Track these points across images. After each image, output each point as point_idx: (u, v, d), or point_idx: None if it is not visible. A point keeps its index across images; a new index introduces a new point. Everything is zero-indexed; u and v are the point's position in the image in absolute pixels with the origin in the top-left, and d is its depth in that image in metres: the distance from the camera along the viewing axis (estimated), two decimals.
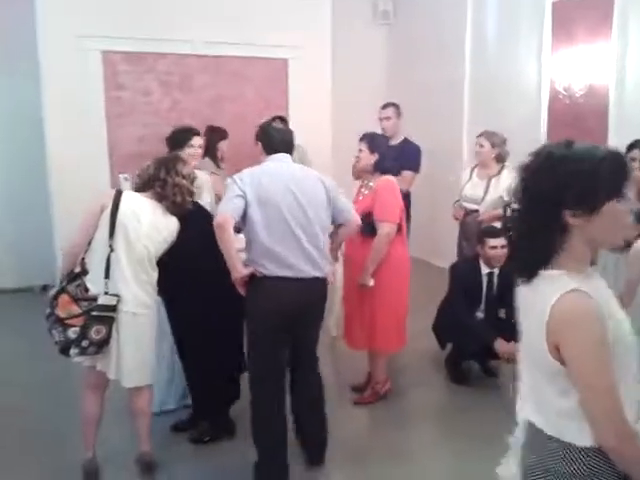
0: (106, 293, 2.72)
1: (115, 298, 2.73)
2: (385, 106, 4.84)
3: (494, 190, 4.19)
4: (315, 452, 3.09)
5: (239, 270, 2.80)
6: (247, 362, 3.03)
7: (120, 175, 2.89)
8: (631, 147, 3.94)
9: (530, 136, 5.72)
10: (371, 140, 3.68)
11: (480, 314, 3.98)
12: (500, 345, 3.70)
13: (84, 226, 2.82)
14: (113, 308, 2.72)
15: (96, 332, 2.69)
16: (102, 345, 2.72)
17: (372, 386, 3.78)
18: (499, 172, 4.28)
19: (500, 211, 3.96)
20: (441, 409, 3.87)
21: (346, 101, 6.53)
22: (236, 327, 3.19)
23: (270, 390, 2.89)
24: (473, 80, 6.45)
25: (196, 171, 3.40)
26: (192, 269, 3.04)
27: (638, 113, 4.86)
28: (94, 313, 2.69)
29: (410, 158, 4.78)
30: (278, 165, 2.96)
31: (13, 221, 5.72)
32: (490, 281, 3.93)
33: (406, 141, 4.95)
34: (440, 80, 6.74)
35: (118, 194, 2.83)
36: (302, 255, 2.83)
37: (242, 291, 2.88)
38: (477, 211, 4.24)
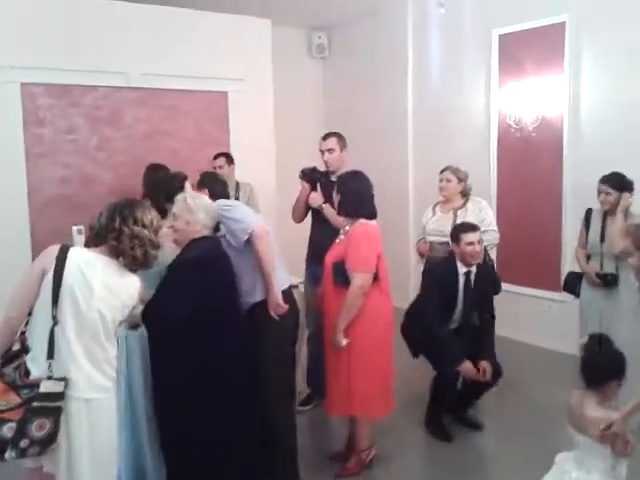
0: (50, 377, 2.19)
1: (61, 383, 2.19)
2: (326, 136, 4.12)
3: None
4: None
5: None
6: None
7: (73, 227, 2.35)
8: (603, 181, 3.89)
9: (479, 169, 5.61)
10: (338, 179, 3.38)
11: (454, 324, 3.81)
12: (466, 370, 3.63)
13: (21, 293, 2.28)
14: (59, 396, 2.19)
15: (38, 427, 2.16)
16: (47, 443, 2.18)
17: (356, 454, 3.35)
18: (464, 205, 4.19)
19: None
20: (435, 475, 3.49)
21: (286, 135, 6.23)
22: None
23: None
24: (417, 112, 6.33)
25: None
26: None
27: (594, 143, 4.83)
28: (35, 404, 2.15)
29: None
30: None
31: None
32: (467, 280, 3.78)
33: None
34: (381, 112, 6.56)
35: (63, 251, 2.29)
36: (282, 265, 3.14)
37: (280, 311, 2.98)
38: (447, 243, 3.97)
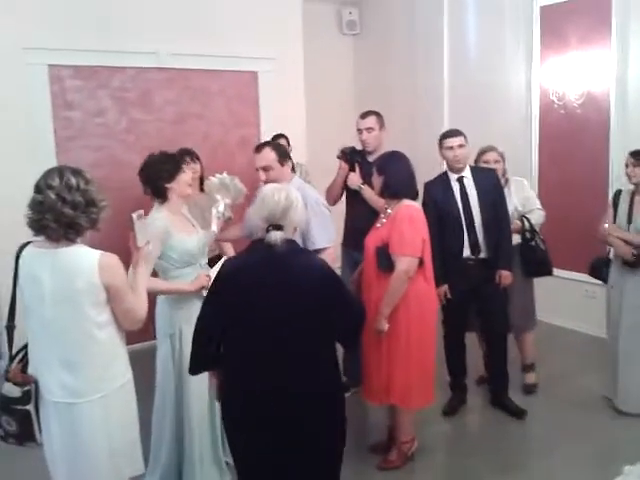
0: (7, 380, 2.14)
1: (18, 389, 2.10)
2: (365, 115, 3.95)
3: (508, 202, 3.85)
4: None
5: None
6: None
7: (132, 214, 2.20)
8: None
9: (520, 148, 5.39)
10: (379, 159, 3.23)
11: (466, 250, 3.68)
12: (438, 292, 3.53)
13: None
14: (18, 400, 2.10)
15: (6, 423, 2.15)
16: (24, 439, 2.16)
17: (397, 446, 3.23)
18: (506, 184, 3.96)
19: (518, 222, 3.92)
20: (478, 470, 3.31)
21: (317, 114, 6.07)
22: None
23: None
24: (452, 88, 6.07)
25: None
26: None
27: None
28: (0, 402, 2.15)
29: None
30: None
31: None
32: (463, 187, 3.69)
33: None
34: (416, 90, 6.34)
35: (20, 249, 2.14)
36: None
37: None
38: None
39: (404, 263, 2.97)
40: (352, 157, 3.89)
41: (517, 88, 5.44)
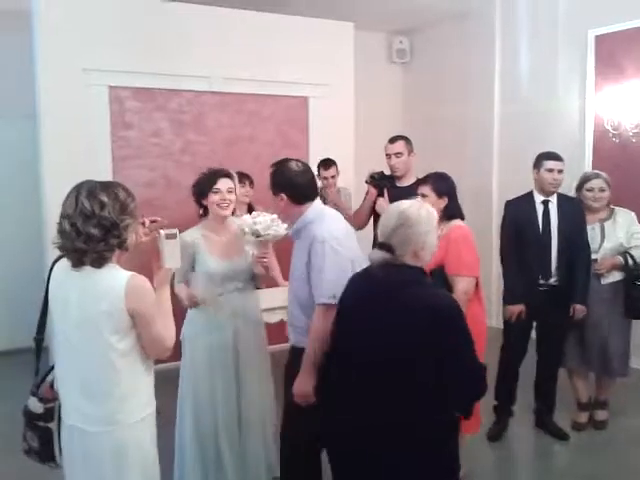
0: (34, 394, 2.06)
1: (41, 406, 2.02)
2: (393, 140, 3.91)
3: (613, 235, 3.72)
4: None
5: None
6: None
7: (161, 231, 1.99)
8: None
9: (573, 177, 5.28)
10: (436, 181, 3.15)
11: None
12: (511, 311, 3.58)
13: None
14: (40, 417, 2.02)
15: (30, 439, 2.06)
16: (45, 458, 2.06)
17: None
18: (610, 216, 3.79)
19: (620, 258, 3.69)
20: None
21: (364, 141, 6.09)
22: None
23: None
24: (504, 118, 6.05)
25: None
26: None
27: None
28: (25, 417, 2.08)
29: None
30: (334, 214, 2.64)
31: (6, 278, 5.23)
32: (546, 209, 3.65)
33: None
34: (466, 119, 6.32)
35: (53, 263, 2.04)
36: None
37: None
38: (595, 260, 3.70)
39: (464, 283, 2.93)
40: (381, 182, 3.86)
41: (571, 118, 5.38)
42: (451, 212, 3.10)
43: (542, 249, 3.60)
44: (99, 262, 1.87)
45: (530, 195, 3.73)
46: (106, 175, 4.68)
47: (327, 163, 4.83)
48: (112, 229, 1.87)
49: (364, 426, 1.99)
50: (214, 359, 2.91)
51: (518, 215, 3.66)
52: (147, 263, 2.06)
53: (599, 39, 5.10)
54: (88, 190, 1.87)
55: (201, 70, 4.91)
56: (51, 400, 2.01)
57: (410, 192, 3.74)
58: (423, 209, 2.10)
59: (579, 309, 3.60)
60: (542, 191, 3.66)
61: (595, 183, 3.78)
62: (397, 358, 1.92)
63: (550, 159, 3.68)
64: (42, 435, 2.02)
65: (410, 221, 2.02)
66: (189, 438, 2.89)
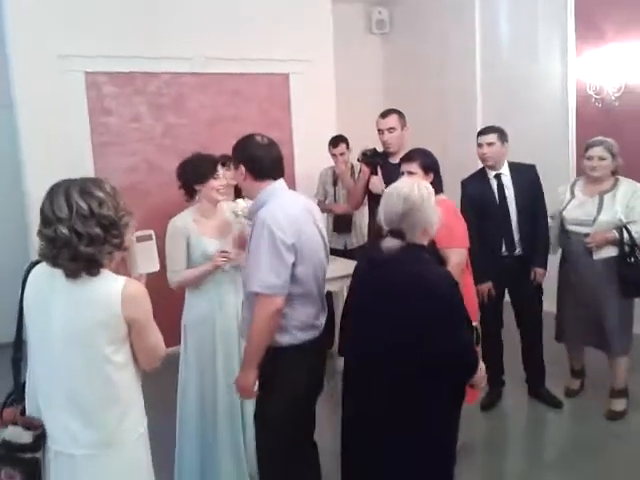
0: (15, 423, 1.79)
1: (29, 434, 1.75)
2: (386, 114, 3.72)
3: (611, 209, 3.45)
4: None
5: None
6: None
7: (135, 233, 1.83)
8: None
9: (556, 143, 5.31)
10: (423, 158, 3.12)
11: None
12: (481, 290, 3.55)
13: None
14: (25, 447, 1.75)
15: (7, 477, 1.76)
16: None
17: None
18: (614, 186, 3.52)
19: (615, 233, 3.42)
20: (522, 470, 3.27)
21: (347, 115, 6.04)
22: None
23: None
24: (485, 85, 6.01)
25: None
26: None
27: None
28: (1, 451, 1.77)
29: None
30: (294, 196, 2.47)
31: None
32: (500, 183, 3.63)
33: None
34: (448, 88, 6.28)
35: (28, 270, 1.83)
36: None
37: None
38: (587, 235, 3.48)
39: (457, 255, 2.93)
40: (374, 159, 3.71)
41: (552, 83, 5.36)
42: (436, 187, 3.08)
43: (502, 223, 3.60)
44: (97, 268, 1.71)
45: (483, 171, 3.70)
46: (87, 162, 4.62)
47: (336, 140, 4.81)
48: (111, 228, 1.72)
49: (367, 411, 2.06)
50: (217, 345, 2.90)
51: (474, 193, 3.63)
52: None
53: (578, 3, 5.05)
54: (80, 188, 1.71)
55: (180, 51, 4.80)
56: (36, 427, 1.77)
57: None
58: (422, 189, 2.14)
59: (539, 272, 3.64)
60: (486, 167, 3.66)
61: (595, 151, 3.52)
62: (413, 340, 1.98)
63: (479, 134, 3.65)
64: (26, 469, 1.74)
65: (416, 205, 2.06)
66: (193, 424, 2.90)
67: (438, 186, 3.07)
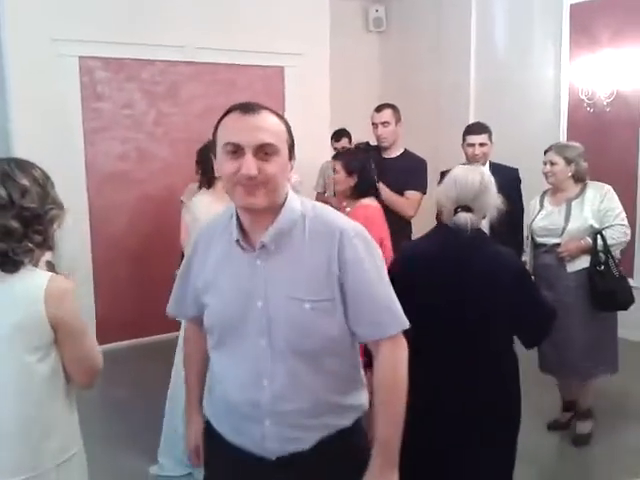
0: None
1: None
2: (380, 108, 3.70)
3: (579, 216, 3.24)
4: None
5: None
6: None
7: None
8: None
9: (547, 145, 5.32)
10: (347, 160, 3.09)
11: None
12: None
13: None
14: None
15: None
16: None
17: None
18: (581, 193, 3.29)
19: (588, 240, 3.19)
20: None
21: (342, 110, 6.05)
22: None
23: None
24: (479, 86, 6.03)
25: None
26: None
27: None
28: None
29: (414, 175, 3.69)
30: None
31: None
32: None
33: (407, 154, 3.83)
34: (442, 88, 6.30)
35: None
36: None
37: None
38: (558, 245, 3.25)
39: None
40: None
41: (545, 87, 5.40)
42: (360, 191, 3.04)
43: None
44: (14, 265, 1.47)
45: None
46: (79, 147, 4.61)
47: (339, 134, 4.85)
48: (34, 222, 1.49)
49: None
50: None
51: None
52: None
53: (574, 8, 5.09)
54: (3, 171, 1.48)
55: (175, 39, 4.80)
56: None
57: (397, 164, 3.73)
58: (487, 174, 2.20)
59: None
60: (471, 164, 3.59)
61: (546, 156, 3.34)
62: (487, 305, 2.05)
63: (470, 133, 3.60)
64: None
65: (490, 186, 2.12)
66: (180, 403, 2.88)
67: (363, 189, 3.03)
